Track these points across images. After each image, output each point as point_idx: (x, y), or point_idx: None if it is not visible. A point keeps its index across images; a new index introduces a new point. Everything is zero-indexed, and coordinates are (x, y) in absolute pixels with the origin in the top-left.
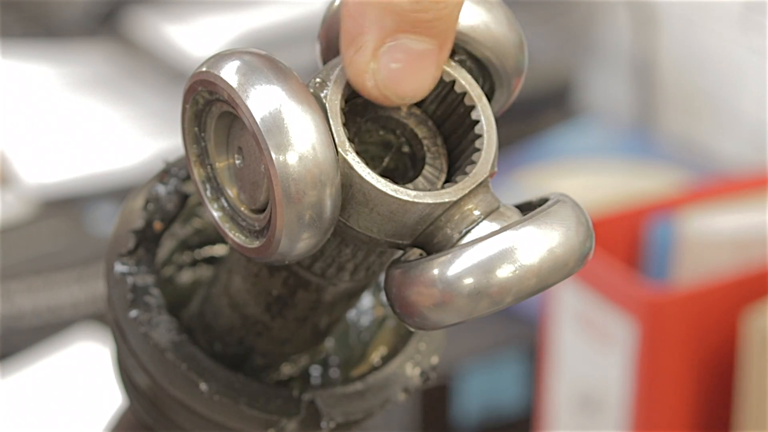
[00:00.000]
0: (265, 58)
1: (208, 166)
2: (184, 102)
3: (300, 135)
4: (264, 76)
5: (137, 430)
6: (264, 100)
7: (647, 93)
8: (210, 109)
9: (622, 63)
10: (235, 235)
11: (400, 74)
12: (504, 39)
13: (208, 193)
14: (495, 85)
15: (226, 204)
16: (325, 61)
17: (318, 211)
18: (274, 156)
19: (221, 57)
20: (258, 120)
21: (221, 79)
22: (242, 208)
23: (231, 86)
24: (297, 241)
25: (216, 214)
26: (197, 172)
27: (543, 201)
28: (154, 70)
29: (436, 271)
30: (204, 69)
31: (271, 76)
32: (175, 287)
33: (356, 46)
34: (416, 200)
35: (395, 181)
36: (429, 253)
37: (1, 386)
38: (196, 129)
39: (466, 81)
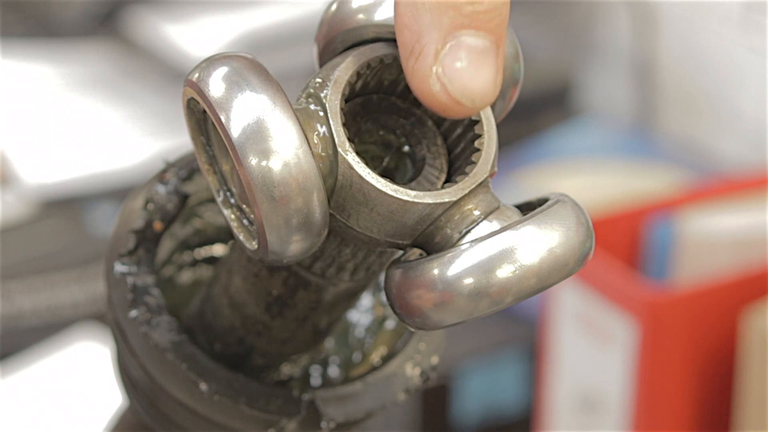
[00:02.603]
0: (236, 68)
1: (219, 173)
2: (184, 112)
3: (273, 149)
4: (230, 92)
5: (137, 430)
6: (236, 115)
7: (647, 93)
8: (207, 116)
9: (622, 63)
10: (241, 234)
11: (466, 73)
12: None
13: (221, 197)
14: None
15: (236, 205)
16: (322, 64)
17: (301, 217)
18: (247, 168)
19: (198, 68)
20: (232, 137)
21: (197, 95)
22: (244, 206)
23: (207, 104)
24: (288, 243)
25: (229, 216)
26: (211, 180)
27: (543, 201)
28: (154, 70)
29: (436, 272)
30: (186, 79)
31: (234, 91)
32: (175, 287)
33: (416, 53)
34: (416, 200)
35: (395, 181)
36: (429, 253)
37: (1, 386)
38: (203, 138)
39: None
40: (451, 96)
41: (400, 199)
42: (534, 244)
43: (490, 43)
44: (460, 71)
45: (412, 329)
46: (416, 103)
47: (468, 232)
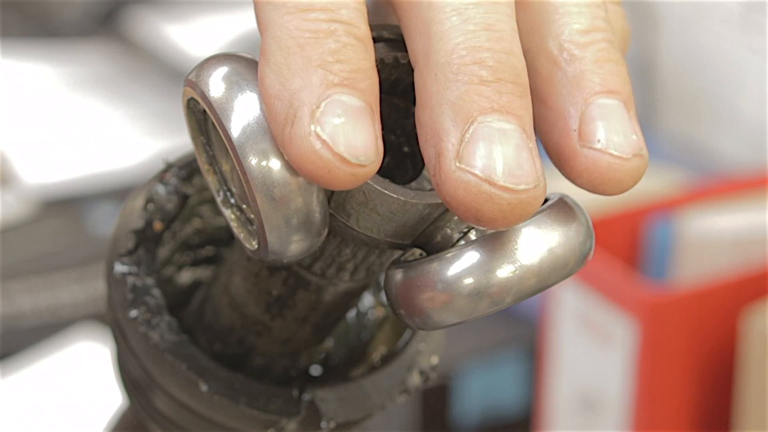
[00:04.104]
0: (236, 68)
1: (219, 173)
2: (184, 112)
3: (270, 149)
4: (230, 90)
5: (137, 430)
6: (236, 115)
7: (647, 93)
8: (207, 116)
9: None
10: (241, 234)
11: (347, 127)
12: None
13: (221, 197)
14: None
15: (236, 205)
16: None
17: (301, 217)
18: (247, 168)
19: (199, 68)
20: (232, 137)
21: (197, 95)
22: (244, 206)
23: (207, 104)
24: (288, 243)
25: (229, 216)
26: (211, 180)
27: (543, 201)
28: (154, 70)
29: (436, 272)
30: (186, 79)
31: (235, 90)
32: (175, 287)
33: (290, 118)
34: (416, 200)
35: (395, 181)
36: (429, 253)
37: (1, 386)
38: (203, 138)
39: None
40: (335, 152)
41: (400, 200)
42: (534, 244)
43: (365, 104)
44: (340, 126)
45: (413, 329)
46: (417, 102)
47: (468, 231)
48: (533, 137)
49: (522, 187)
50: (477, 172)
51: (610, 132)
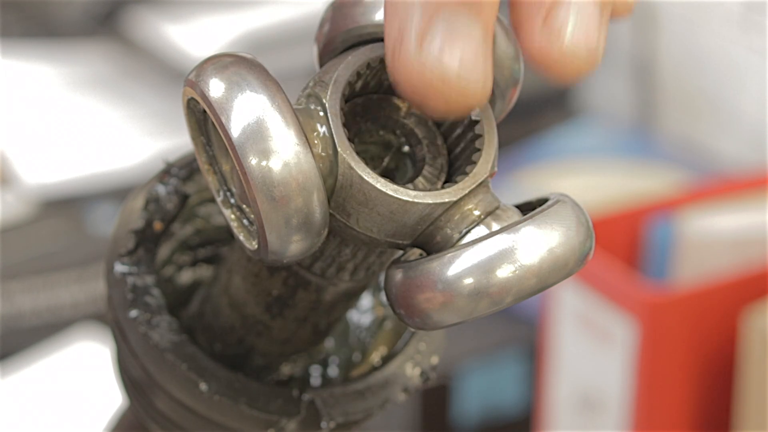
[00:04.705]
0: (236, 68)
1: (219, 173)
2: (184, 112)
3: (269, 150)
4: (231, 91)
5: (137, 430)
6: (236, 115)
7: (647, 93)
8: (207, 116)
9: (622, 63)
10: (241, 234)
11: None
12: (500, 51)
13: (221, 197)
14: (491, 95)
15: (236, 205)
16: (322, 64)
17: (302, 217)
18: (247, 169)
19: (199, 68)
20: (232, 137)
21: (197, 95)
22: (244, 206)
23: (207, 104)
24: (288, 243)
25: (229, 216)
26: (211, 180)
27: (543, 201)
28: (154, 70)
29: (436, 272)
30: (186, 79)
31: (235, 91)
32: (175, 287)
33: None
34: (416, 200)
35: (395, 181)
36: (429, 253)
37: (1, 386)
38: (203, 138)
39: None
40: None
41: (400, 199)
42: (534, 244)
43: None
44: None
45: (413, 329)
46: None
47: (468, 232)
48: (492, 39)
49: (471, 83)
50: (434, 60)
51: (574, 22)
